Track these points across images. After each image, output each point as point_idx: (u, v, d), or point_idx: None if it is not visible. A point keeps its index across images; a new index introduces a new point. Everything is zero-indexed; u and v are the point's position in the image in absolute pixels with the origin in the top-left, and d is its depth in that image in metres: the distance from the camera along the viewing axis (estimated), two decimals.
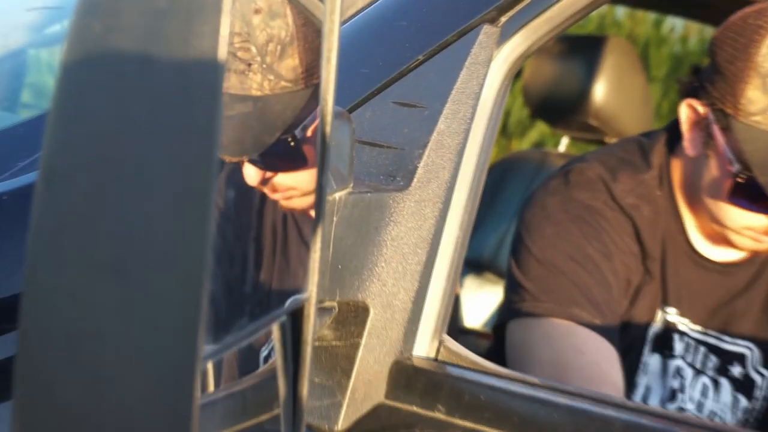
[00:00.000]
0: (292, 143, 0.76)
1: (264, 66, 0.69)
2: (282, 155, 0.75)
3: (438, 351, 0.94)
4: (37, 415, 0.52)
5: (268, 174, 0.71)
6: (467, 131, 0.95)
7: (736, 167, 1.32)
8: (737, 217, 1.37)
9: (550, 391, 0.90)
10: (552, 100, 2.50)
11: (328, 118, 0.72)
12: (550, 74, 2.49)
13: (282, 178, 0.74)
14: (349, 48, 0.99)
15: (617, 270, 1.41)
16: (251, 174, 0.68)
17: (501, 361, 1.36)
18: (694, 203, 1.44)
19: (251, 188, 0.68)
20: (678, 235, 1.46)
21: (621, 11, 5.87)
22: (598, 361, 1.32)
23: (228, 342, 0.62)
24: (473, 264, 2.45)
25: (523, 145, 5.11)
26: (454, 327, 2.39)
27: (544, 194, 1.45)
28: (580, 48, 2.49)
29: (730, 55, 1.34)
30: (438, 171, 0.94)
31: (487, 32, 0.96)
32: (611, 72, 2.40)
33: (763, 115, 1.30)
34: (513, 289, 1.41)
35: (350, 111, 0.96)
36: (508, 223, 2.44)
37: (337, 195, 0.91)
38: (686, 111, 1.42)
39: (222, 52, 0.53)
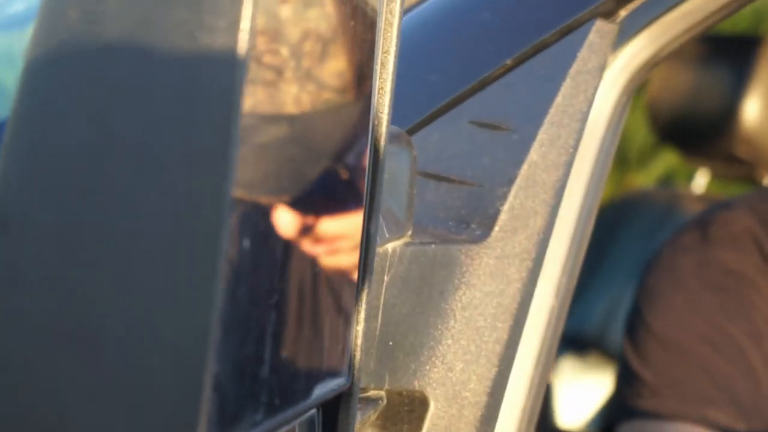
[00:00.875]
0: (344, 175, 0.76)
1: (300, 73, 0.70)
2: (330, 192, 0.76)
3: None
4: None
5: (310, 220, 0.72)
6: (569, 164, 0.96)
7: None
8: None
9: None
10: (686, 120, 2.51)
11: (382, 141, 0.73)
12: (685, 86, 2.50)
13: (329, 225, 0.74)
14: (411, 48, 1.00)
15: None
16: (287, 222, 0.69)
17: None
18: None
19: (277, 238, 0.69)
20: None
21: None
22: None
23: None
24: (573, 341, 2.46)
25: (644, 180, 5.11)
26: (546, 427, 2.39)
27: (674, 252, 1.48)
28: (726, 52, 2.50)
29: None
30: (528, 217, 0.95)
31: (600, 30, 0.96)
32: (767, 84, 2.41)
33: None
34: (627, 380, 1.43)
35: (411, 132, 0.97)
36: (620, 287, 2.44)
37: (390, 246, 0.92)
38: None
39: (242, 52, 0.54)
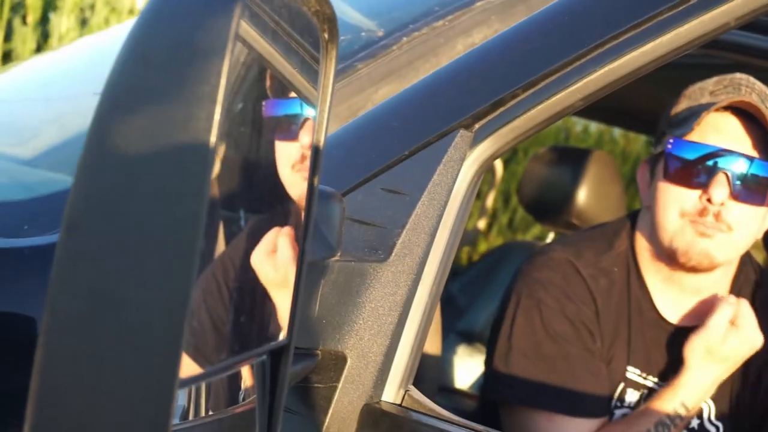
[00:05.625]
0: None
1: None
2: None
3: (403, 398, 0.95)
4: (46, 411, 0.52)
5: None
6: (440, 216, 0.97)
7: (659, 149, 1.42)
8: (672, 205, 1.37)
9: None
10: (542, 200, 2.51)
11: (315, 192, 0.74)
12: (542, 178, 2.50)
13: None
14: (349, 141, 1.01)
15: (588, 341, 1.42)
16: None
17: (485, 421, 1.37)
18: (655, 255, 1.45)
19: (246, 245, 0.69)
20: (642, 302, 1.46)
21: (617, 131, 5.91)
22: None
23: (208, 372, 0.63)
24: (467, 335, 2.45)
25: (526, 238, 5.11)
26: (448, 388, 2.36)
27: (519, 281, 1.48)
28: (568, 158, 2.51)
29: (673, 103, 1.46)
30: (413, 248, 0.96)
31: (462, 136, 0.98)
32: (592, 180, 2.41)
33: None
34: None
35: (345, 194, 0.98)
36: (499, 302, 2.43)
37: (327, 262, 0.92)
38: (640, 170, 1.47)
39: (214, 133, 0.54)
